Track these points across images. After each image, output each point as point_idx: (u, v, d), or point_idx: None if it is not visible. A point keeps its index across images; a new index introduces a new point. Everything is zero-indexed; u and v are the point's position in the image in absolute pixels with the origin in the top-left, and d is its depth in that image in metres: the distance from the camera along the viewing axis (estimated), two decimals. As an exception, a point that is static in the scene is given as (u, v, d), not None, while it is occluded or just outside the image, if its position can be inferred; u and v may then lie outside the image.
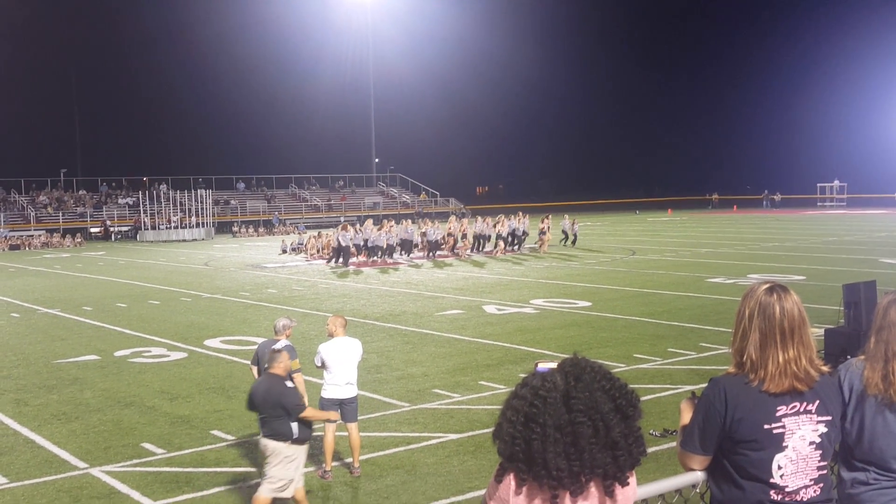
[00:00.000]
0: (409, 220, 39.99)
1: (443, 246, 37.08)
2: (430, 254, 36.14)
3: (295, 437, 7.99)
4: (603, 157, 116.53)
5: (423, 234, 36.89)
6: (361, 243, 34.94)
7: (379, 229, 35.73)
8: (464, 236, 37.95)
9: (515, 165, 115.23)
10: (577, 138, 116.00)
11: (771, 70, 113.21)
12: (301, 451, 8.13)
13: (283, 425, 7.97)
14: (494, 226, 38.54)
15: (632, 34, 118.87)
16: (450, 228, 38.28)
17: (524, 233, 38.69)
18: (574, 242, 40.40)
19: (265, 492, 7.95)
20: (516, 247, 38.35)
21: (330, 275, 30.77)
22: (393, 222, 38.36)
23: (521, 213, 39.40)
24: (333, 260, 34.43)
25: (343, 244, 33.95)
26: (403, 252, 36.13)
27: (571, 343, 16.20)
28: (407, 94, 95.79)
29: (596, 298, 22.32)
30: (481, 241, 38.02)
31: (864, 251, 34.23)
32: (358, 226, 38.59)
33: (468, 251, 37.26)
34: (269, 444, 7.99)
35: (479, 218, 40.30)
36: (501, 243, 37.80)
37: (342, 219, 70.64)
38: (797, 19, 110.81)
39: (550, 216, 40.28)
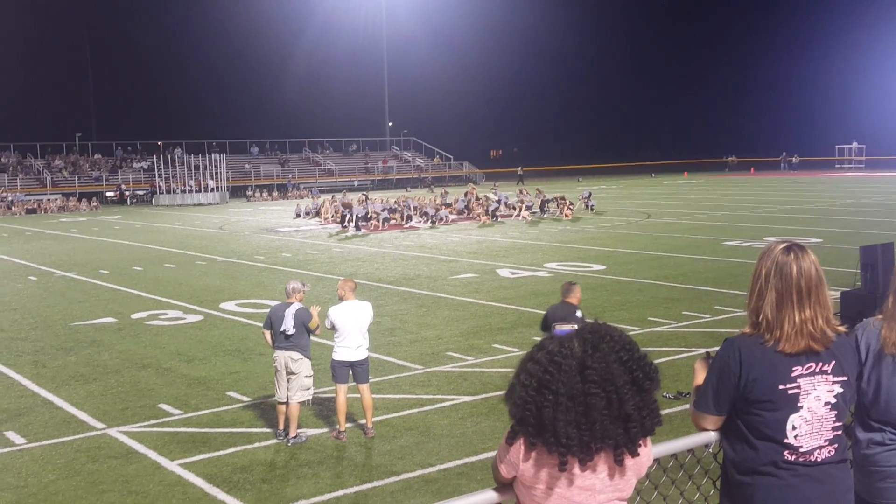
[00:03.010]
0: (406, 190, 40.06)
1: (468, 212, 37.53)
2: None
3: None
4: (619, 119, 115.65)
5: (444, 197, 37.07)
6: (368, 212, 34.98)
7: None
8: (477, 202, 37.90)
9: (530, 129, 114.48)
10: (592, 101, 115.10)
11: (789, 31, 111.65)
12: None
13: None
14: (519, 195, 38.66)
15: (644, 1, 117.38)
16: (469, 195, 38.62)
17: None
18: (592, 209, 39.89)
19: None
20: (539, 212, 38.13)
21: (344, 239, 30.80)
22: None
23: (523, 188, 39.65)
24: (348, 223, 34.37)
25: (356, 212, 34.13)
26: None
27: (585, 307, 16.09)
28: (421, 58, 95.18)
29: (610, 262, 22.26)
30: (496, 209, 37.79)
31: (882, 213, 33.96)
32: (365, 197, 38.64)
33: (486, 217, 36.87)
34: None
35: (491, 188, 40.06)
36: (526, 213, 37.15)
37: (356, 183, 70.64)
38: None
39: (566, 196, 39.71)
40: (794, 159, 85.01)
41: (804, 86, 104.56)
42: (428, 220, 35.15)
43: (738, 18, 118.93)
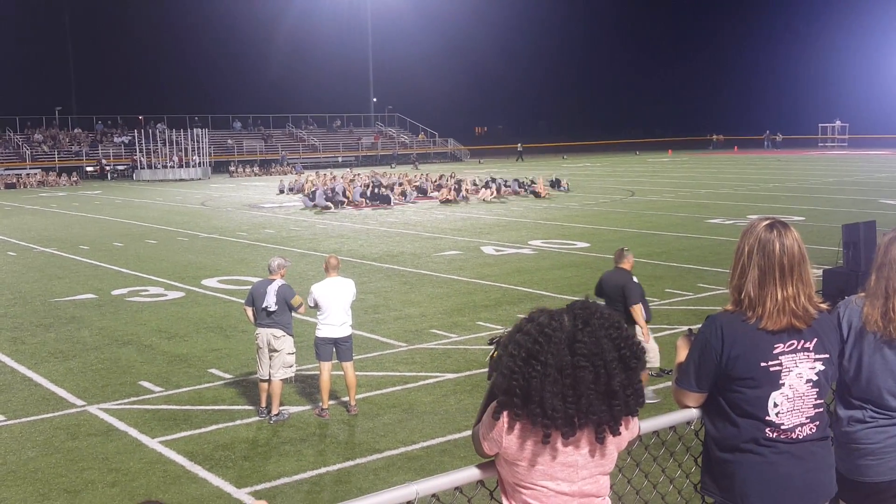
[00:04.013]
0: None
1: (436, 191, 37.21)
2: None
3: None
4: (603, 97, 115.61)
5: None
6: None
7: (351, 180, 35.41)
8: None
9: (514, 105, 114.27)
10: (576, 78, 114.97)
11: (773, 9, 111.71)
12: None
13: None
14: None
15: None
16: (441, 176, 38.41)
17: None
18: (567, 189, 39.53)
19: None
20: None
21: (327, 215, 30.69)
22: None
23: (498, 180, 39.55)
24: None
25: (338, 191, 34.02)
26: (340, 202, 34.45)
27: (569, 284, 16.22)
28: (405, 33, 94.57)
29: (594, 239, 22.29)
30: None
31: (864, 192, 34.14)
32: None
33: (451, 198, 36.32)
34: None
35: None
36: (487, 192, 36.68)
37: (339, 159, 70.36)
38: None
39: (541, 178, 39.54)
40: (777, 137, 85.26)
41: (788, 64, 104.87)
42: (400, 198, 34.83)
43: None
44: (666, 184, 41.79)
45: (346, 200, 33.93)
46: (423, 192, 37.43)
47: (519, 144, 73.25)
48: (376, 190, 35.44)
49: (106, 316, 14.43)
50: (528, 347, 2.44)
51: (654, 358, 9.92)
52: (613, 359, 2.43)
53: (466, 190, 36.31)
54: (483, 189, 36.29)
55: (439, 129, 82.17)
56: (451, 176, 39.56)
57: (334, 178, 40.27)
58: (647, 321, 9.79)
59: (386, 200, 33.79)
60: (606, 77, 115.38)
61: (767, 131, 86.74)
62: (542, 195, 35.89)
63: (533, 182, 37.93)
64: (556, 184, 39.37)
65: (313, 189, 34.95)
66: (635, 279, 9.90)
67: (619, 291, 9.66)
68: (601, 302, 10.11)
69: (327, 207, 32.40)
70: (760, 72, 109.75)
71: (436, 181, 39.31)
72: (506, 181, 38.39)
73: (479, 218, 28.54)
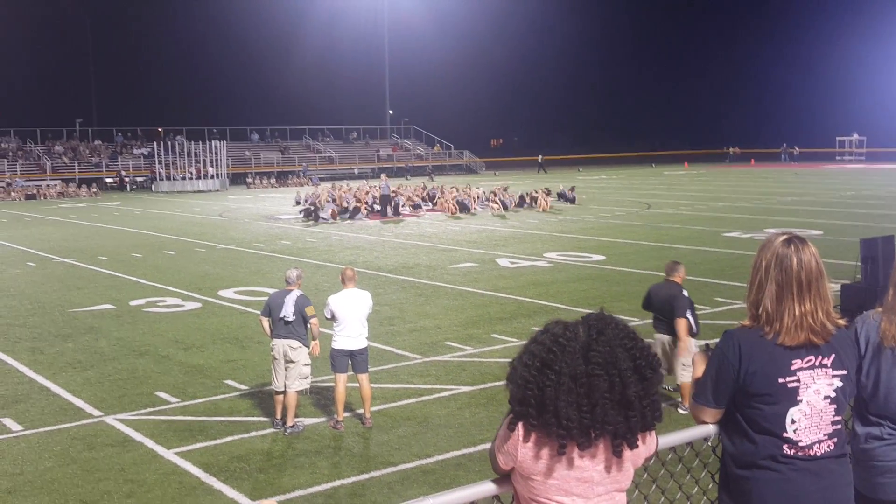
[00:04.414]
0: (385, 175, 39.22)
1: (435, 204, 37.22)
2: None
3: None
4: (619, 109, 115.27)
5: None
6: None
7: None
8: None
9: (530, 118, 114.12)
10: (592, 90, 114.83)
11: (790, 21, 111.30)
12: None
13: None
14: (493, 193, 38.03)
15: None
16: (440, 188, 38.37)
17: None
18: (573, 202, 39.32)
19: None
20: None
21: (343, 227, 30.75)
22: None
23: (501, 187, 39.29)
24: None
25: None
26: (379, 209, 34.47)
27: (585, 297, 16.17)
28: (422, 45, 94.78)
29: (610, 252, 22.23)
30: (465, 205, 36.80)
31: (882, 206, 33.90)
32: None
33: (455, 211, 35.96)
34: None
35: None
36: (495, 205, 36.47)
37: (356, 171, 70.50)
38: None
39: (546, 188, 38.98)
40: (794, 150, 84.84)
41: (805, 76, 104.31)
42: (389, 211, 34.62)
43: (739, 8, 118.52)
44: (682, 196, 41.65)
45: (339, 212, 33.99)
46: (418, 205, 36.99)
47: (539, 156, 73.20)
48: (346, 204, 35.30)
49: (124, 326, 14.49)
50: (543, 357, 2.44)
51: (685, 374, 9.68)
52: (628, 368, 2.42)
53: (475, 200, 36.36)
54: (490, 201, 36.34)
55: (455, 142, 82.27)
56: (461, 188, 39.29)
57: (349, 189, 40.19)
58: (695, 335, 9.67)
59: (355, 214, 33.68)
60: (622, 89, 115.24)
61: (784, 144, 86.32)
62: (542, 210, 35.69)
63: (533, 198, 37.57)
64: (563, 195, 39.26)
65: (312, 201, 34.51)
66: (685, 292, 9.81)
67: (668, 304, 9.64)
68: (650, 314, 10.15)
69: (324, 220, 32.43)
70: (777, 84, 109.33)
71: (424, 192, 38.99)
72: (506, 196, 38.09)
73: (494, 230, 28.52)
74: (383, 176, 38.53)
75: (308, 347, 9.41)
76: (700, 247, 23.05)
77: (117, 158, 64.42)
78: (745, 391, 3.16)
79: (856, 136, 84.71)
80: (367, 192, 37.41)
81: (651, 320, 10.31)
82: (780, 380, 3.11)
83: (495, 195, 37.25)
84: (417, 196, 38.46)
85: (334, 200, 35.53)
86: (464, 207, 35.55)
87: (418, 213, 35.47)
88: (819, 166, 73.23)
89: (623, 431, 2.45)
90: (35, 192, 52.16)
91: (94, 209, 41.52)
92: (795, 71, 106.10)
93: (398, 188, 39.50)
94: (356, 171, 71.23)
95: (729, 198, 40.01)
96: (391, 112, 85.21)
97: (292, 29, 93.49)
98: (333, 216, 32.96)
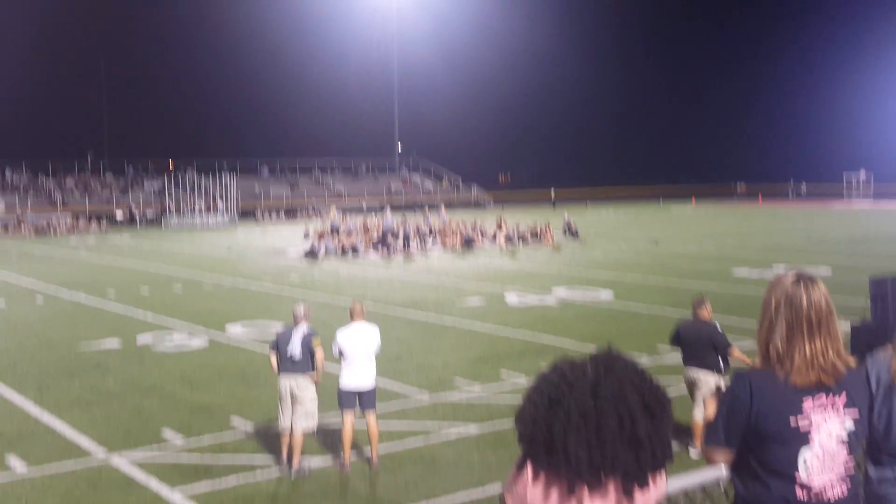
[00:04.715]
0: (390, 209, 39.02)
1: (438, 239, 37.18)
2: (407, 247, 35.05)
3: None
4: (627, 146, 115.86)
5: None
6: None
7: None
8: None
9: (539, 153, 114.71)
10: (600, 126, 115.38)
11: (796, 57, 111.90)
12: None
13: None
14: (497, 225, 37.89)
15: (657, 21, 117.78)
16: (443, 221, 38.35)
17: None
18: (576, 236, 39.14)
19: None
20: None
21: (351, 262, 30.75)
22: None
23: (499, 217, 39.24)
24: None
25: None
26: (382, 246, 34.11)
27: (594, 334, 16.07)
28: (431, 80, 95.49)
29: (619, 289, 22.15)
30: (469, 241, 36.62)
31: (891, 245, 33.77)
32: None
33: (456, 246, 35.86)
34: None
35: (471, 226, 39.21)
36: (503, 240, 36.33)
37: (364, 205, 70.70)
38: (824, 3, 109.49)
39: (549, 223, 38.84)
40: (801, 187, 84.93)
41: (811, 112, 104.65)
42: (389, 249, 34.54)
43: (746, 45, 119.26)
44: (691, 233, 41.62)
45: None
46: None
47: (552, 191, 73.37)
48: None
49: (130, 363, 14.43)
50: (551, 394, 2.39)
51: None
52: (637, 405, 2.37)
53: (481, 236, 36.41)
54: (496, 236, 36.33)
55: (463, 176, 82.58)
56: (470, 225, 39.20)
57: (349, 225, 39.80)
58: (725, 373, 9.59)
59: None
60: (631, 126, 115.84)
61: (792, 181, 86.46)
62: (547, 245, 35.69)
63: (536, 233, 37.47)
64: (568, 226, 39.27)
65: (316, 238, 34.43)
66: (719, 326, 9.82)
67: (707, 341, 9.60)
68: (677, 351, 10.13)
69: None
70: (783, 121, 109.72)
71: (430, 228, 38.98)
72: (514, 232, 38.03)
73: (502, 266, 28.48)
74: (387, 210, 38.64)
75: (314, 384, 9.34)
76: (708, 284, 22.95)
77: (128, 193, 64.77)
78: (757, 432, 3.13)
79: (863, 172, 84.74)
80: (367, 230, 36.88)
81: (661, 356, 10.21)
82: (792, 420, 3.09)
83: (500, 229, 37.13)
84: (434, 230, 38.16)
85: (335, 231, 35.45)
86: (468, 243, 35.62)
87: (425, 248, 35.41)
88: (827, 203, 73.20)
89: (633, 470, 2.40)
90: (45, 226, 52.34)
91: (103, 244, 41.65)
92: (801, 106, 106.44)
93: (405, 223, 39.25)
94: (365, 205, 71.51)
95: (737, 235, 39.96)
96: (400, 146, 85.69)
97: (302, 64, 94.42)
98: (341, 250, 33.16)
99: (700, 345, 9.65)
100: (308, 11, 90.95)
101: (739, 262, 28.07)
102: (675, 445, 9.08)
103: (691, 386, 9.71)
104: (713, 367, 9.52)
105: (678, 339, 9.97)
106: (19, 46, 78.84)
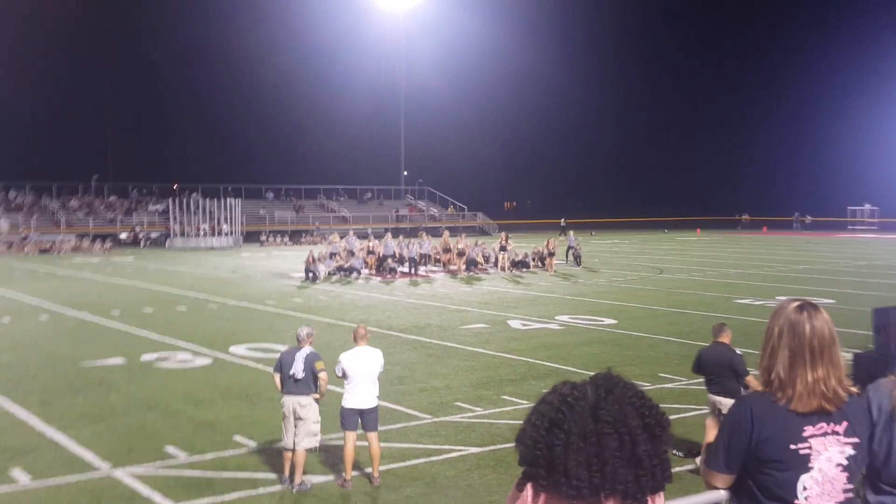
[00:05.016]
0: (351, 233, 38.64)
1: (438, 260, 37.17)
2: (412, 270, 35.41)
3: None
4: (632, 174, 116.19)
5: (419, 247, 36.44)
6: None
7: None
8: (459, 254, 36.50)
9: (544, 181, 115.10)
10: (606, 156, 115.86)
11: (802, 90, 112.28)
12: None
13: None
14: (500, 242, 37.70)
15: (664, 52, 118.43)
16: (445, 244, 38.16)
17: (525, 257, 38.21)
18: (578, 262, 39.25)
19: None
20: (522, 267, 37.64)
21: (356, 285, 30.83)
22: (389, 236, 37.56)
23: (504, 234, 39.13)
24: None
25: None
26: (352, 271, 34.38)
27: (596, 360, 16.11)
28: (438, 107, 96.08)
29: (622, 316, 22.19)
30: (473, 262, 36.73)
31: (895, 275, 33.77)
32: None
33: (460, 269, 36.04)
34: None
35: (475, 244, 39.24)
36: (505, 261, 36.43)
37: (369, 231, 70.79)
38: (829, 37, 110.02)
39: (551, 239, 39.04)
40: (806, 219, 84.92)
41: (817, 146, 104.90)
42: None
43: (752, 76, 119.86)
44: (694, 262, 41.63)
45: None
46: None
47: (562, 220, 73.34)
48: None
49: (134, 380, 14.51)
50: (551, 416, 2.44)
51: None
52: (638, 426, 2.41)
53: (483, 258, 36.48)
54: (498, 259, 36.40)
55: (469, 203, 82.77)
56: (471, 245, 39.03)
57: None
58: None
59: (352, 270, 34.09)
60: (637, 156, 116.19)
61: (797, 213, 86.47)
62: (549, 270, 35.89)
63: (541, 255, 37.66)
64: (571, 247, 39.44)
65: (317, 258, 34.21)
66: (738, 351, 10.08)
67: (726, 366, 9.81)
68: (700, 378, 10.30)
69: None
70: (789, 153, 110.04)
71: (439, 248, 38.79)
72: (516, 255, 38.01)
73: (506, 292, 28.54)
74: (388, 235, 38.70)
75: (317, 404, 9.42)
76: (712, 313, 22.98)
77: (132, 214, 64.98)
78: (757, 457, 3.15)
79: (867, 207, 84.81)
80: (369, 252, 36.80)
81: (663, 384, 10.27)
82: (792, 446, 3.11)
83: (504, 249, 37.10)
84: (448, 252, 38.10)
85: (333, 256, 35.54)
86: (472, 263, 35.73)
87: (425, 271, 35.48)
88: (831, 235, 73.18)
89: (633, 491, 2.44)
90: (49, 246, 52.51)
91: (107, 264, 41.76)
92: (808, 139, 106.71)
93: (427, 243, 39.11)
94: (370, 230, 71.57)
95: (741, 265, 39.97)
96: (406, 173, 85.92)
97: (310, 91, 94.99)
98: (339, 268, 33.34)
99: (720, 370, 9.86)
100: (315, 38, 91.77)
101: (742, 291, 28.09)
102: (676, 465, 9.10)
103: (714, 410, 9.81)
104: (734, 393, 9.60)
105: (699, 365, 10.20)
106: (26, 70, 79.49)
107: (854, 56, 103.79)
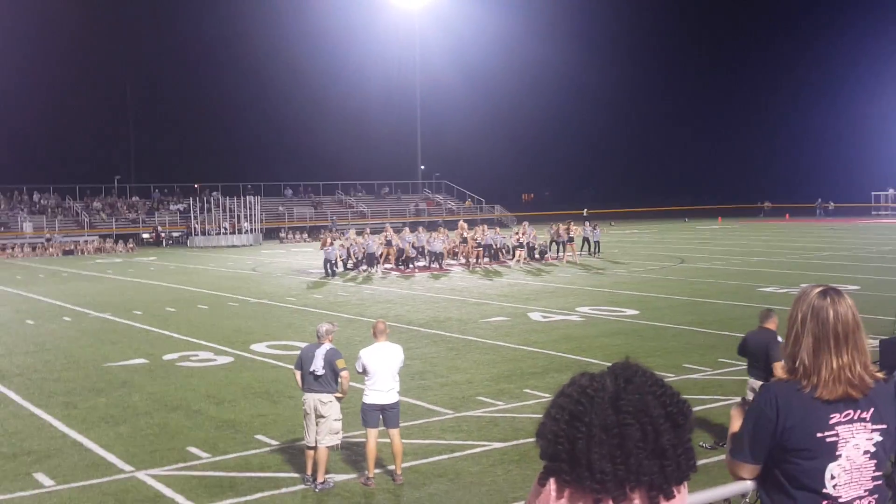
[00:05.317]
0: (368, 231, 37.66)
1: (456, 253, 36.96)
2: (433, 264, 35.21)
3: None
4: (651, 163, 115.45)
5: (428, 243, 36.13)
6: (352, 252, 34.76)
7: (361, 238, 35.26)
8: (477, 245, 36.43)
9: (562, 172, 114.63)
10: (624, 145, 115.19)
11: (824, 75, 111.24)
12: None
13: None
14: (517, 234, 37.58)
15: (683, 39, 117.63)
16: (462, 234, 37.88)
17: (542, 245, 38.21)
18: (597, 251, 39.34)
19: None
20: (538, 256, 37.64)
21: (375, 280, 30.82)
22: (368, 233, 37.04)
23: (525, 224, 39.02)
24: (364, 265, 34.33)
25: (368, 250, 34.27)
26: (366, 265, 34.24)
27: (618, 352, 16.00)
28: (454, 101, 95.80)
29: (644, 307, 22.04)
30: (493, 251, 36.81)
31: (920, 260, 33.42)
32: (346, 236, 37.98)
33: (481, 259, 36.08)
34: None
35: (490, 228, 39.29)
36: (522, 252, 36.38)
37: (387, 225, 70.95)
38: (850, 22, 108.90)
39: (571, 223, 39.14)
40: (829, 206, 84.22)
41: (840, 131, 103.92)
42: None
43: (774, 63, 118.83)
44: (716, 251, 41.36)
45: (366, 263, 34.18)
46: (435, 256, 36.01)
47: (585, 210, 73.06)
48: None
49: (156, 381, 14.54)
50: (571, 409, 2.38)
51: None
52: (660, 415, 2.35)
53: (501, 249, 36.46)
54: (517, 251, 36.37)
55: (486, 196, 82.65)
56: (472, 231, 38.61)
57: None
58: None
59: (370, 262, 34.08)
60: (655, 144, 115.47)
61: (819, 199, 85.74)
62: (567, 260, 35.92)
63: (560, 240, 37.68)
64: (586, 241, 39.36)
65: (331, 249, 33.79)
66: (780, 339, 9.93)
67: (763, 349, 9.87)
68: (744, 361, 10.35)
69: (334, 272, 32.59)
70: (812, 138, 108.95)
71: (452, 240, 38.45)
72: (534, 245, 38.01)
73: (526, 284, 28.43)
74: (406, 230, 38.47)
75: (339, 401, 9.38)
76: (735, 302, 22.80)
77: (154, 214, 65.39)
78: (783, 446, 3.09)
79: (891, 192, 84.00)
80: (388, 246, 36.62)
81: (687, 375, 10.16)
82: (819, 434, 3.05)
83: (519, 236, 37.02)
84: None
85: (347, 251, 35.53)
86: (490, 252, 35.67)
87: (445, 265, 35.40)
88: (854, 221, 72.56)
89: (659, 482, 2.38)
90: (73, 247, 52.92)
91: (129, 264, 42.00)
92: (830, 125, 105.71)
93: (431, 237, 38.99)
94: (388, 225, 71.69)
95: (764, 252, 39.66)
96: (423, 167, 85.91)
97: (327, 85, 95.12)
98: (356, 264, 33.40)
99: (759, 355, 9.94)
100: (331, 35, 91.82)
101: (766, 279, 27.86)
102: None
103: (752, 394, 9.76)
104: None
105: (743, 348, 10.32)
106: (48, 73, 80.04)
107: (879, 39, 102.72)
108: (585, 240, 40.30)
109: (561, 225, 38.46)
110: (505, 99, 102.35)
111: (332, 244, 33.42)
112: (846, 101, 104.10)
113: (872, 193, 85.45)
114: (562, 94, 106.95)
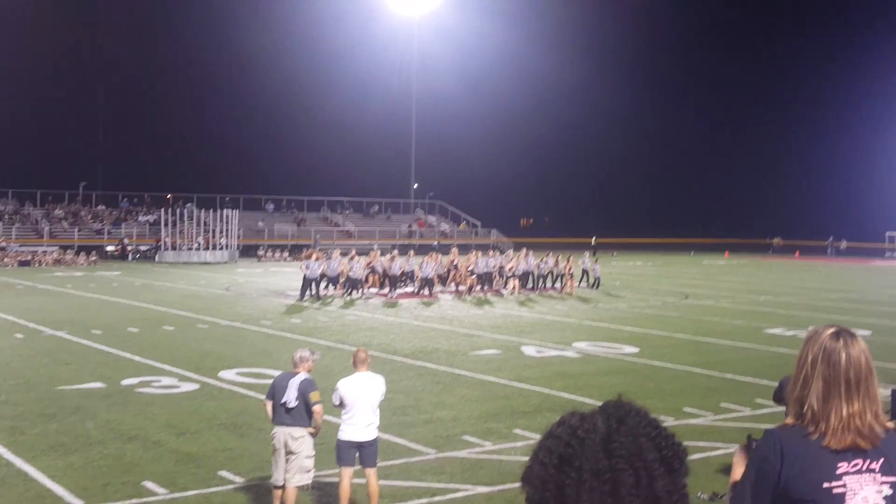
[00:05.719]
0: (354, 252, 37.47)
1: (447, 281, 36.78)
2: (421, 291, 35.03)
3: None
4: (656, 193, 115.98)
5: (419, 268, 35.75)
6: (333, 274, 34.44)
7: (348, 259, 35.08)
8: (471, 273, 36.30)
9: (563, 198, 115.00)
10: (629, 172, 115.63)
11: (837, 112, 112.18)
12: None
13: None
14: (511, 264, 37.60)
15: (692, 69, 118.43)
16: (453, 261, 37.70)
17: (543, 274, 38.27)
18: (596, 286, 39.26)
19: None
20: (532, 287, 37.64)
21: (359, 306, 30.68)
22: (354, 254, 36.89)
23: (525, 250, 39.05)
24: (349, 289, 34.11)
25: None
26: (351, 289, 33.98)
27: (615, 392, 15.63)
28: (452, 116, 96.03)
29: (644, 344, 21.98)
30: (487, 278, 36.70)
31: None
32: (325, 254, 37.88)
33: (474, 287, 35.97)
34: None
35: (481, 252, 39.27)
36: (516, 282, 36.42)
37: (375, 246, 70.94)
38: (867, 57, 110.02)
39: (571, 256, 39.23)
40: (841, 244, 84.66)
41: (854, 168, 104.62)
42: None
43: (787, 96, 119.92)
44: (722, 288, 41.45)
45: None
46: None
47: (593, 238, 73.17)
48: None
49: (113, 407, 14.32)
50: (560, 452, 2.31)
51: None
52: (654, 459, 2.29)
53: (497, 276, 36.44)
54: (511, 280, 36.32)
55: (482, 219, 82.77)
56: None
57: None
58: None
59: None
60: (661, 174, 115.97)
61: (831, 237, 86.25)
62: (567, 292, 35.93)
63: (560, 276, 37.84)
64: (585, 274, 39.39)
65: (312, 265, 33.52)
66: None
67: None
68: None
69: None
70: (825, 175, 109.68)
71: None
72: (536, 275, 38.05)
73: (520, 316, 28.35)
74: (395, 253, 38.12)
75: (312, 437, 9.21)
76: (741, 342, 22.75)
77: (121, 225, 65.11)
78: (787, 496, 3.05)
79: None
80: (373, 271, 36.47)
81: (687, 420, 10.05)
82: (826, 485, 3.02)
83: (513, 266, 36.98)
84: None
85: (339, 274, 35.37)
86: (485, 280, 35.62)
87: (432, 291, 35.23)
88: (867, 262, 72.93)
89: None
90: (30, 258, 52.52)
91: (91, 279, 41.76)
92: (844, 162, 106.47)
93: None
94: (375, 246, 71.72)
95: (772, 291, 39.75)
96: (416, 185, 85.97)
97: (314, 95, 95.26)
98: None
99: None
100: (323, 42, 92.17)
101: (773, 319, 27.86)
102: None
103: None
104: None
105: (780, 394, 10.27)
106: (10, 70, 79.88)
107: (892, 79, 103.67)
108: (584, 272, 40.28)
109: (560, 257, 38.46)
110: (507, 116, 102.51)
111: (317, 259, 33.27)
112: (861, 138, 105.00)
113: (887, 234, 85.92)
114: (567, 115, 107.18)
